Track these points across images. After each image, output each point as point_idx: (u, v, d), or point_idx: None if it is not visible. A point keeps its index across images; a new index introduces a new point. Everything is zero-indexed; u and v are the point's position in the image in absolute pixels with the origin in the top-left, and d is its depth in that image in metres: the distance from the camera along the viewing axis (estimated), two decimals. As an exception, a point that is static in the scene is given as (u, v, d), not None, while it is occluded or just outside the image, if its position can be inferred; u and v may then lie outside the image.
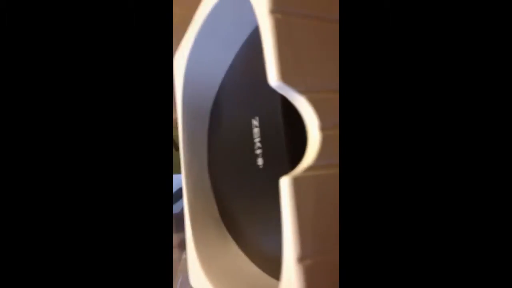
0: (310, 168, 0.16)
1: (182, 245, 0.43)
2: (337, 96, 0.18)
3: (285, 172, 0.17)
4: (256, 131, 0.22)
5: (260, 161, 0.22)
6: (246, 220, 0.27)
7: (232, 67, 0.29)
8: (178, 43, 0.31)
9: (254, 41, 0.24)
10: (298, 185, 0.16)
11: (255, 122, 0.22)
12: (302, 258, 0.16)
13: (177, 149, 0.35)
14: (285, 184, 0.16)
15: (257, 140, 0.22)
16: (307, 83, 0.17)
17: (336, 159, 0.17)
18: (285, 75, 0.16)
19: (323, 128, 0.17)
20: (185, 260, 0.45)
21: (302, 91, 0.17)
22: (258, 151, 0.22)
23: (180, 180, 0.35)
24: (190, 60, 0.29)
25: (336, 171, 0.17)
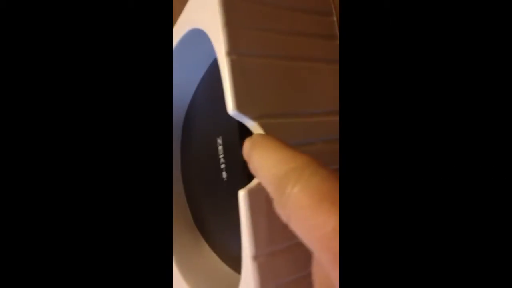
0: (262, 182, 0.20)
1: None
2: (284, 120, 0.21)
3: (243, 184, 0.20)
4: (220, 148, 0.26)
5: (224, 174, 0.26)
6: (215, 225, 0.31)
7: (199, 87, 0.32)
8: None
9: (216, 68, 0.27)
10: (252, 196, 0.20)
11: (219, 140, 0.26)
12: (256, 256, 0.19)
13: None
14: (242, 195, 0.19)
15: (221, 156, 0.26)
16: (258, 111, 0.20)
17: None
18: (239, 106, 0.20)
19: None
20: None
21: (255, 117, 0.20)
22: (223, 166, 0.26)
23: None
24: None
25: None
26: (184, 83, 0.32)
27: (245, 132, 0.21)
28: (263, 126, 0.20)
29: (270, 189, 0.18)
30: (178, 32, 0.27)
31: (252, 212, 0.19)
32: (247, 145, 0.20)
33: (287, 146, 0.18)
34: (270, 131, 0.20)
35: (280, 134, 0.21)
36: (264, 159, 0.18)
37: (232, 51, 0.20)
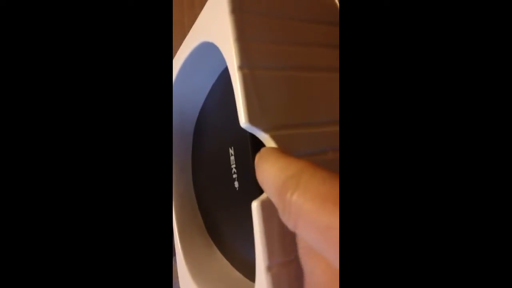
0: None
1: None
2: (296, 131, 0.21)
3: (256, 194, 0.20)
4: (232, 158, 0.26)
5: (236, 184, 0.26)
6: (228, 233, 0.31)
7: (210, 95, 0.32)
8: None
9: (226, 78, 0.27)
10: (265, 207, 0.20)
11: (231, 151, 0.26)
12: (270, 267, 0.19)
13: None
14: (255, 207, 0.20)
15: (233, 166, 0.26)
16: (270, 123, 0.21)
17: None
18: (251, 119, 0.20)
19: (285, 159, 0.21)
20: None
21: (267, 129, 0.21)
22: (235, 176, 0.26)
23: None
24: (175, 84, 0.32)
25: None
26: (194, 91, 0.33)
27: (257, 143, 0.21)
28: (275, 137, 0.21)
29: (274, 200, 0.18)
30: (189, 44, 0.28)
31: (265, 223, 0.20)
32: (256, 159, 0.20)
33: (285, 156, 0.18)
34: (282, 142, 0.21)
35: (292, 145, 0.21)
36: (266, 172, 0.18)
37: (243, 65, 0.20)
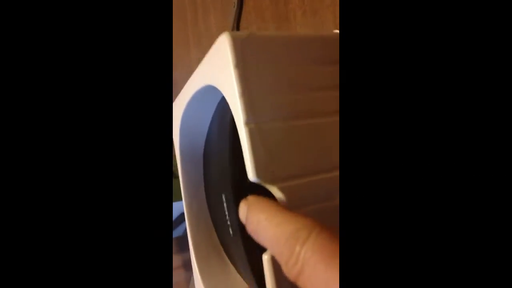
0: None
1: (188, 265, 0.48)
2: (304, 180, 0.22)
3: (245, 246, 0.21)
4: (225, 205, 0.26)
5: (231, 231, 0.26)
6: (234, 262, 0.32)
7: (210, 126, 0.33)
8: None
9: (223, 116, 0.27)
10: (275, 261, 0.20)
11: (224, 197, 0.26)
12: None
13: (176, 176, 0.39)
14: (266, 260, 0.20)
15: (226, 213, 0.26)
16: (278, 175, 0.21)
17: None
18: (259, 173, 0.20)
19: (292, 209, 0.21)
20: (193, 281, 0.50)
21: (274, 181, 0.21)
22: (228, 223, 0.26)
23: (180, 206, 0.40)
24: (186, 109, 0.33)
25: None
26: (200, 121, 0.33)
27: (242, 193, 0.22)
28: (283, 189, 0.21)
29: (275, 249, 0.19)
30: (193, 85, 0.28)
31: (276, 277, 0.20)
32: (243, 207, 0.21)
33: (283, 209, 0.19)
34: (291, 193, 0.21)
35: (301, 194, 0.21)
36: (265, 221, 0.19)
37: (249, 121, 0.20)
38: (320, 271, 0.16)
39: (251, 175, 0.20)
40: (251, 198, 0.21)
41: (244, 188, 0.22)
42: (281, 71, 0.22)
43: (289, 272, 0.18)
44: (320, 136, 0.22)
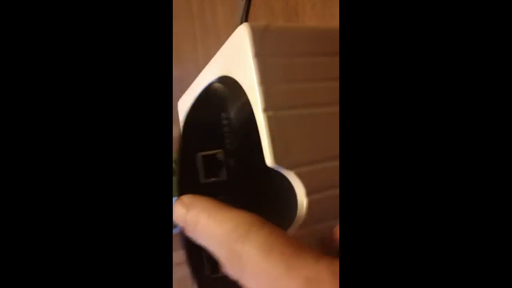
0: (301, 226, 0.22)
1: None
2: (320, 165, 0.23)
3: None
4: None
5: None
6: None
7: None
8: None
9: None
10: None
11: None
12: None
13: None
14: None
15: None
16: (295, 161, 0.22)
17: (322, 216, 0.22)
18: (277, 159, 0.21)
19: (309, 194, 0.22)
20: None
21: (291, 167, 0.22)
22: None
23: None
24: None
25: (324, 224, 0.22)
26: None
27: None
28: (300, 174, 0.22)
29: (215, 248, 0.19)
30: (206, 77, 0.28)
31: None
32: (179, 208, 0.20)
33: (224, 206, 0.19)
34: (308, 178, 0.22)
35: (317, 179, 0.22)
36: (205, 220, 0.19)
37: (268, 108, 0.21)
38: (261, 268, 0.16)
39: (270, 161, 0.21)
40: (186, 198, 0.21)
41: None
42: (297, 61, 0.23)
43: (230, 272, 0.18)
44: (335, 124, 0.23)
